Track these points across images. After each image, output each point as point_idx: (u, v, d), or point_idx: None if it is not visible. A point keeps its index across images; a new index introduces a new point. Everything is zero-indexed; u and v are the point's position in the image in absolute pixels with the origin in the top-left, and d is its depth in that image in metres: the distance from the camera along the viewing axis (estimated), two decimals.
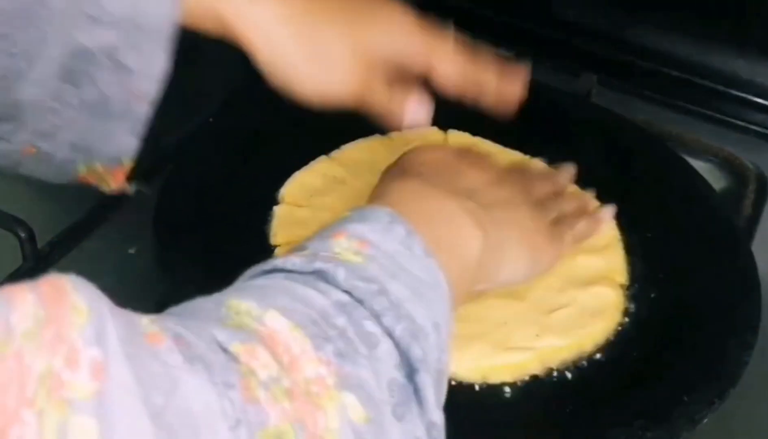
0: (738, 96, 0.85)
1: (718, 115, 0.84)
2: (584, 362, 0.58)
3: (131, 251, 0.67)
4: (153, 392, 0.32)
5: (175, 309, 0.41)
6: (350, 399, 0.39)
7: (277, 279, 0.43)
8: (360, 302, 0.42)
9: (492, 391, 0.57)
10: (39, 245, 0.65)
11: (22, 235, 0.64)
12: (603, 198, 0.68)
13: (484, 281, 0.54)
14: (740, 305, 0.61)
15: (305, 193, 0.68)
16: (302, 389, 0.37)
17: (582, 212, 0.64)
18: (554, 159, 0.71)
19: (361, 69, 0.59)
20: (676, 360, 0.59)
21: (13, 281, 0.62)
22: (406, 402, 0.41)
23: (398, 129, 0.62)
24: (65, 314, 0.32)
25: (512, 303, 0.61)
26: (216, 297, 0.42)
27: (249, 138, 0.72)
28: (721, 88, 0.85)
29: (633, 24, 0.88)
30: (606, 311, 0.61)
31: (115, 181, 0.54)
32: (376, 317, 0.42)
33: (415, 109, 0.61)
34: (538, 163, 0.70)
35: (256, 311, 0.39)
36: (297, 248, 0.47)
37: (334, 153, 0.70)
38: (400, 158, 0.59)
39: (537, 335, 0.59)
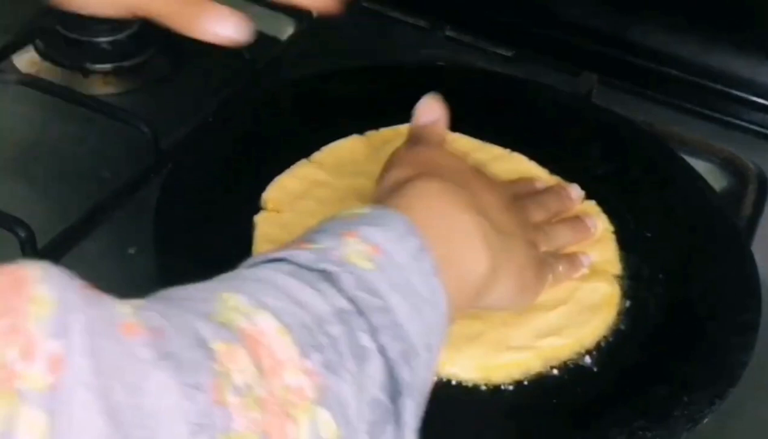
0: (738, 96, 0.85)
1: (718, 115, 0.84)
2: (584, 362, 0.58)
3: (131, 251, 0.67)
4: (114, 389, 0.32)
5: (169, 292, 0.40)
6: (325, 416, 0.38)
7: (280, 272, 0.42)
8: (361, 313, 0.41)
9: (493, 391, 0.57)
10: (39, 246, 0.65)
11: (22, 235, 0.64)
12: (603, 198, 0.69)
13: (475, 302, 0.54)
14: (740, 304, 0.61)
15: (287, 198, 0.68)
16: (277, 398, 0.36)
17: (570, 244, 0.64)
18: (554, 159, 0.71)
19: None
20: (676, 360, 0.59)
21: None
22: (383, 423, 0.40)
23: (197, 37, 0.53)
24: (22, 305, 0.31)
25: None
26: (212, 285, 0.41)
27: (249, 137, 0.72)
28: (721, 88, 0.85)
29: (633, 24, 0.88)
30: (604, 306, 0.61)
31: None
32: (373, 333, 0.41)
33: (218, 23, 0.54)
34: (541, 180, 0.69)
35: (247, 308, 0.39)
36: (306, 238, 0.46)
37: (314, 155, 0.70)
38: (417, 150, 0.58)
39: (537, 334, 0.59)
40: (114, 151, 0.74)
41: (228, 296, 0.39)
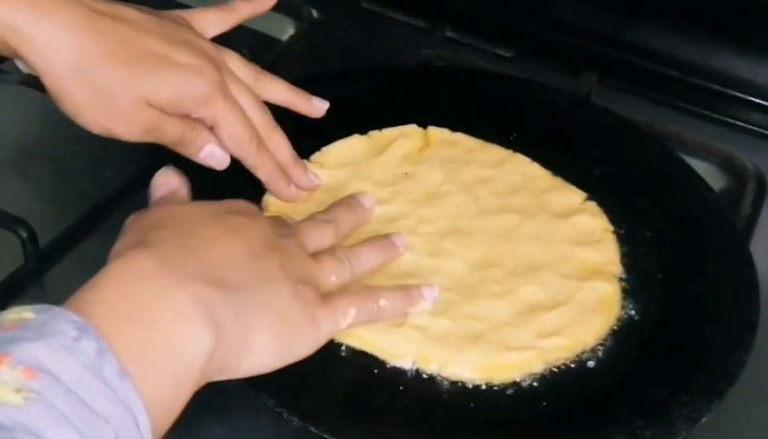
0: (738, 96, 0.85)
1: (718, 115, 0.84)
2: (584, 362, 0.58)
3: None
4: None
5: None
6: None
7: None
8: None
9: (495, 391, 0.57)
10: (40, 245, 0.65)
11: (24, 234, 0.64)
12: (603, 198, 0.69)
13: (218, 375, 0.49)
14: (739, 304, 0.61)
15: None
16: None
17: (376, 264, 0.60)
18: (554, 159, 0.71)
19: (146, 116, 0.58)
20: (675, 360, 0.59)
21: (14, 280, 0.63)
22: None
23: (199, 160, 0.62)
24: None
25: (512, 302, 0.61)
26: None
27: None
28: (721, 88, 0.86)
29: (633, 24, 0.88)
30: (605, 306, 0.61)
31: None
32: None
33: (211, 151, 0.62)
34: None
35: None
36: None
37: (315, 156, 0.70)
38: (150, 213, 0.54)
39: (539, 334, 0.59)
40: (114, 151, 0.73)
41: None
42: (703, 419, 0.54)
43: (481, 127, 0.73)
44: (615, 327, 0.61)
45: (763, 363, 0.60)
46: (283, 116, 0.66)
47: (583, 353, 0.59)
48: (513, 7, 0.91)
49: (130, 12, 0.59)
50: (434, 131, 0.73)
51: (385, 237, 0.62)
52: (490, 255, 0.64)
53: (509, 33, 0.90)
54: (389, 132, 0.72)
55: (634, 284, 0.63)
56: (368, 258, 0.60)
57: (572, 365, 0.58)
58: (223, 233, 0.52)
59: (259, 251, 0.53)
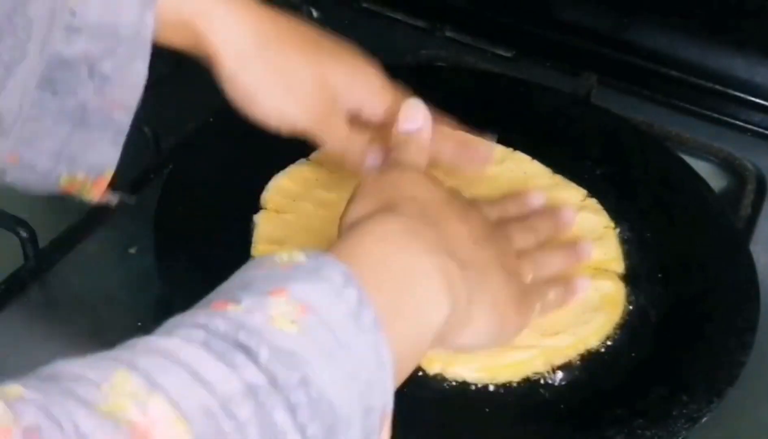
0: (737, 96, 0.85)
1: (717, 115, 0.84)
2: (584, 362, 0.58)
3: (131, 250, 0.67)
4: None
5: (61, 367, 0.37)
6: None
7: (192, 342, 0.38)
8: (276, 388, 0.38)
9: (496, 391, 0.57)
10: (40, 245, 0.65)
11: (24, 235, 0.64)
12: (602, 198, 0.69)
13: (440, 345, 0.50)
14: (739, 304, 0.61)
15: (287, 198, 0.68)
16: None
17: (560, 270, 0.60)
18: (554, 159, 0.71)
19: (322, 100, 0.59)
20: (675, 359, 0.59)
21: (14, 280, 0.63)
22: None
23: (354, 170, 0.62)
24: None
25: None
26: (110, 358, 0.37)
27: (249, 137, 0.72)
28: (720, 88, 0.86)
29: (633, 24, 0.88)
30: (608, 305, 0.61)
31: (97, 191, 0.53)
32: (292, 410, 0.38)
33: (374, 158, 0.62)
34: (535, 195, 0.64)
35: (141, 392, 0.35)
36: (230, 293, 0.42)
37: (314, 155, 0.70)
38: (386, 179, 0.55)
39: (542, 333, 0.59)
40: None
41: (122, 377, 0.36)
42: (703, 419, 0.54)
43: (480, 127, 0.73)
44: (617, 326, 0.61)
45: (763, 363, 0.60)
46: None
47: (585, 352, 0.59)
48: (513, 7, 0.91)
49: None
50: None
51: (572, 244, 0.62)
52: None
53: (509, 33, 0.90)
54: None
55: (633, 284, 0.63)
56: (555, 263, 0.61)
57: (573, 364, 0.58)
58: (453, 215, 0.54)
59: (481, 238, 0.54)
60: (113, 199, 0.55)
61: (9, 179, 0.52)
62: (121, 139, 0.53)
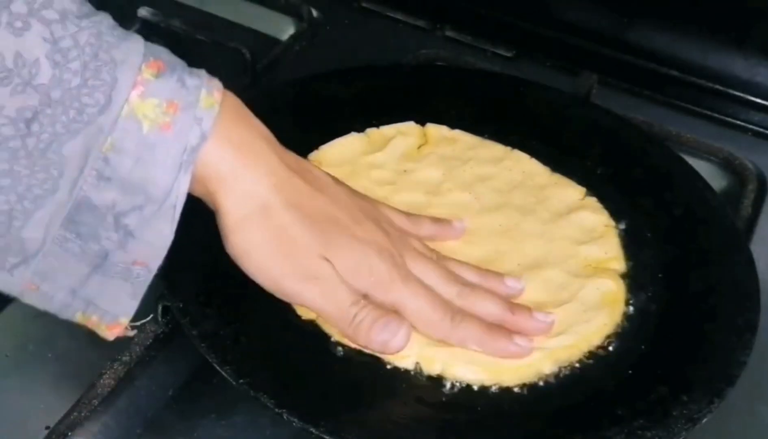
0: (738, 96, 0.85)
1: (718, 115, 0.84)
2: (585, 361, 0.58)
3: None
4: None
5: None
6: None
7: None
8: None
9: (496, 391, 0.56)
10: None
11: None
12: (602, 198, 0.69)
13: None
14: (739, 305, 0.61)
15: None
16: None
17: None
18: (554, 159, 0.71)
19: (320, 266, 0.56)
20: (675, 360, 0.59)
21: None
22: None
23: (353, 341, 0.57)
24: None
25: (516, 302, 0.61)
26: None
27: None
28: (720, 88, 0.86)
29: (633, 24, 0.88)
30: (610, 304, 0.61)
31: (111, 334, 0.52)
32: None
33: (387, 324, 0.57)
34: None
35: None
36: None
37: (313, 155, 0.70)
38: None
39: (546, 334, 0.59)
40: None
41: None
42: (704, 419, 0.54)
43: (480, 128, 0.73)
44: (618, 326, 0.61)
45: (764, 363, 0.60)
46: (281, 114, 0.66)
47: (587, 352, 0.59)
48: (513, 7, 0.91)
49: (323, 176, 0.59)
50: (432, 128, 0.73)
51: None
52: (492, 253, 0.64)
53: (509, 33, 0.90)
54: (387, 130, 0.72)
55: (634, 284, 0.63)
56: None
57: (573, 364, 0.58)
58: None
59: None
60: (130, 333, 0.54)
61: (26, 301, 0.51)
62: (140, 293, 0.52)
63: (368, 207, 0.60)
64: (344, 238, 0.56)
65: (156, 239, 0.51)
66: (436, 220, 0.65)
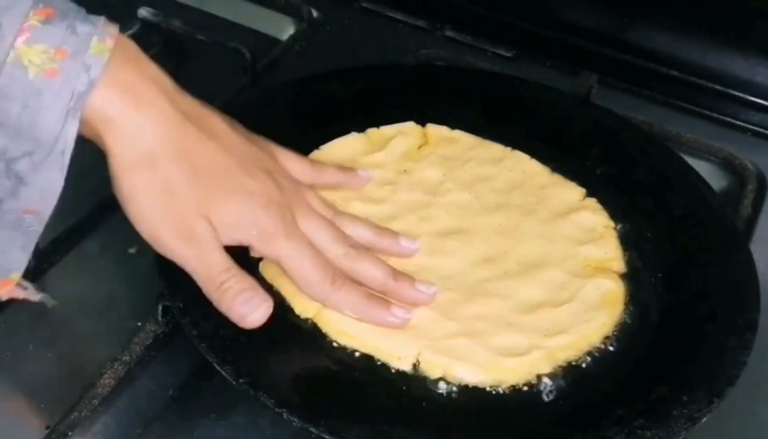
0: (738, 96, 0.85)
1: (718, 115, 0.84)
2: (585, 361, 0.58)
3: (131, 250, 0.67)
4: None
5: None
6: None
7: None
8: None
9: (495, 391, 0.56)
10: (40, 245, 0.65)
11: None
12: (602, 198, 0.69)
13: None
14: (739, 304, 0.61)
15: None
16: None
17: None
18: (554, 159, 0.71)
19: (199, 225, 0.56)
20: (675, 360, 0.59)
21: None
22: None
23: (223, 310, 0.56)
24: None
25: (516, 301, 0.61)
26: None
27: None
28: (720, 88, 0.86)
29: (633, 24, 0.88)
30: (609, 304, 0.61)
31: (5, 292, 0.52)
32: None
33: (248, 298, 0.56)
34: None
35: None
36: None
37: (313, 154, 0.69)
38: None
39: (545, 333, 0.59)
40: None
41: None
42: (703, 419, 0.54)
43: (480, 128, 0.73)
44: (618, 325, 0.61)
45: (764, 363, 0.60)
46: (281, 114, 0.66)
47: (586, 352, 0.59)
48: (513, 7, 0.91)
49: (218, 123, 0.58)
50: (432, 128, 0.73)
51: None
52: (492, 253, 0.64)
53: (509, 33, 0.90)
54: (387, 130, 0.72)
55: (634, 284, 0.63)
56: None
57: (573, 364, 0.58)
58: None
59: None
60: (22, 293, 0.54)
61: None
62: (30, 246, 0.52)
63: (263, 158, 0.59)
64: (229, 190, 0.56)
65: (47, 185, 0.51)
66: (342, 168, 0.66)
